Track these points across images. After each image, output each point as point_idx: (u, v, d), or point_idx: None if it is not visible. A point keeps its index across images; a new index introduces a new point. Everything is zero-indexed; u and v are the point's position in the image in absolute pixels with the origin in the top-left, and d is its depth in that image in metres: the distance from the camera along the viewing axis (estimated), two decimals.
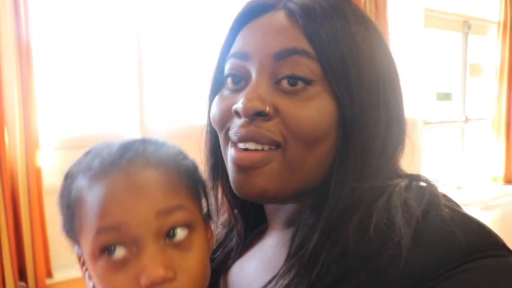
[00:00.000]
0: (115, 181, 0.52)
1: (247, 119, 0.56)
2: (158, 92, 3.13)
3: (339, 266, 0.53)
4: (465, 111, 5.40)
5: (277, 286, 0.56)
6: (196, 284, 0.54)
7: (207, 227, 0.62)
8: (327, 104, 0.57)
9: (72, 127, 2.88)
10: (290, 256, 0.58)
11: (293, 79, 0.57)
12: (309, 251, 0.55)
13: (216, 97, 0.63)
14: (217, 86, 0.65)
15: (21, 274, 2.58)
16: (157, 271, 0.49)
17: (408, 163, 0.65)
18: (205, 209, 0.62)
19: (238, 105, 0.56)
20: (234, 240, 0.71)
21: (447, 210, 0.52)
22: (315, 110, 0.56)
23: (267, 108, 0.56)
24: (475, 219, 0.52)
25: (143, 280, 0.49)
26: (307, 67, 0.56)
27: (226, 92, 0.62)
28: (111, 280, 0.51)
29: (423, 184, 0.58)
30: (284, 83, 0.57)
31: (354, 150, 0.58)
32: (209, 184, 0.67)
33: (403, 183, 0.57)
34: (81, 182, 0.54)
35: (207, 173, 0.68)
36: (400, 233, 0.50)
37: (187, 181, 0.57)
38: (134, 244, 0.50)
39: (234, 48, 0.62)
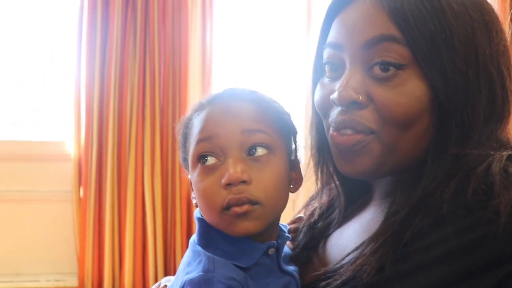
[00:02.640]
0: (214, 108, 0.67)
1: (343, 108, 0.61)
2: None
3: (431, 233, 0.53)
4: None
5: (368, 248, 0.58)
6: (268, 196, 0.63)
7: (293, 168, 0.70)
8: (418, 88, 0.58)
9: None
10: (384, 221, 0.60)
11: (384, 65, 0.59)
12: (401, 216, 0.57)
13: (318, 85, 0.68)
14: (318, 72, 0.70)
15: None
16: (235, 173, 0.61)
17: None
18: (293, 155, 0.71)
19: (334, 95, 0.61)
20: (336, 211, 0.75)
21: None
22: (405, 95, 0.58)
23: (360, 97, 0.59)
24: None
25: (224, 180, 0.61)
26: (397, 52, 0.58)
27: (326, 79, 0.67)
28: (203, 182, 0.64)
29: None
30: (376, 69, 0.60)
31: (453, 127, 0.58)
32: (315, 159, 0.73)
33: (505, 152, 0.56)
34: (193, 114, 0.70)
35: (313, 150, 0.74)
36: (499, 199, 0.49)
37: (275, 118, 0.67)
38: (222, 153, 0.63)
39: (329, 38, 0.66)
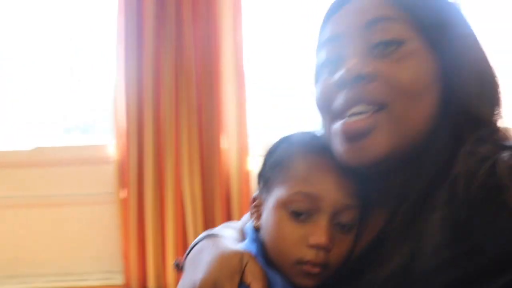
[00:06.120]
0: (319, 161, 0.66)
1: (350, 86, 0.60)
2: None
3: (444, 230, 0.52)
4: None
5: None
6: (337, 264, 0.66)
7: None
8: (422, 58, 0.59)
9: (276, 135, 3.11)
10: (389, 219, 0.62)
11: (384, 44, 0.60)
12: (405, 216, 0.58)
13: (317, 84, 0.68)
14: (318, 78, 0.70)
15: None
16: (326, 242, 0.63)
17: None
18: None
19: (340, 74, 0.61)
20: None
21: None
22: (410, 65, 0.59)
23: (366, 70, 0.59)
24: None
25: (312, 240, 0.63)
26: (395, 30, 0.60)
27: (325, 76, 0.66)
28: (288, 228, 0.65)
29: None
30: (378, 49, 0.61)
31: (456, 100, 0.59)
32: None
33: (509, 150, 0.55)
34: (295, 149, 0.70)
35: None
36: (508, 194, 0.49)
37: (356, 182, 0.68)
38: (315, 210, 0.64)
39: (326, 35, 0.67)
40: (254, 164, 2.93)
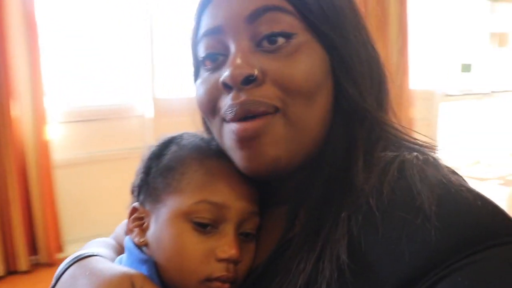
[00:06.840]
0: (218, 166, 0.60)
1: (237, 89, 0.53)
2: (169, 62, 3.06)
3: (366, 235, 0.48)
4: (488, 83, 5.22)
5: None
6: (243, 277, 0.60)
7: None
8: (314, 52, 0.54)
9: (79, 100, 2.84)
10: (287, 232, 0.57)
11: (272, 37, 0.53)
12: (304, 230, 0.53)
13: (198, 82, 0.60)
14: (198, 75, 0.62)
15: (33, 248, 2.61)
16: (236, 254, 0.57)
17: (422, 136, 0.60)
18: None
19: (225, 75, 0.53)
20: None
21: (466, 188, 0.46)
22: (302, 61, 0.53)
23: (255, 71, 0.52)
24: (489, 200, 0.46)
25: (221, 253, 0.56)
26: (284, 21, 0.53)
27: (205, 74, 0.58)
28: (187, 241, 0.57)
29: (429, 153, 0.54)
30: (265, 43, 0.54)
31: (346, 97, 0.55)
32: None
33: (413, 153, 0.52)
34: (188, 154, 0.61)
35: None
36: (422, 199, 0.45)
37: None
38: (221, 223, 0.58)
39: (204, 28, 0.58)
40: (54, 133, 2.63)
